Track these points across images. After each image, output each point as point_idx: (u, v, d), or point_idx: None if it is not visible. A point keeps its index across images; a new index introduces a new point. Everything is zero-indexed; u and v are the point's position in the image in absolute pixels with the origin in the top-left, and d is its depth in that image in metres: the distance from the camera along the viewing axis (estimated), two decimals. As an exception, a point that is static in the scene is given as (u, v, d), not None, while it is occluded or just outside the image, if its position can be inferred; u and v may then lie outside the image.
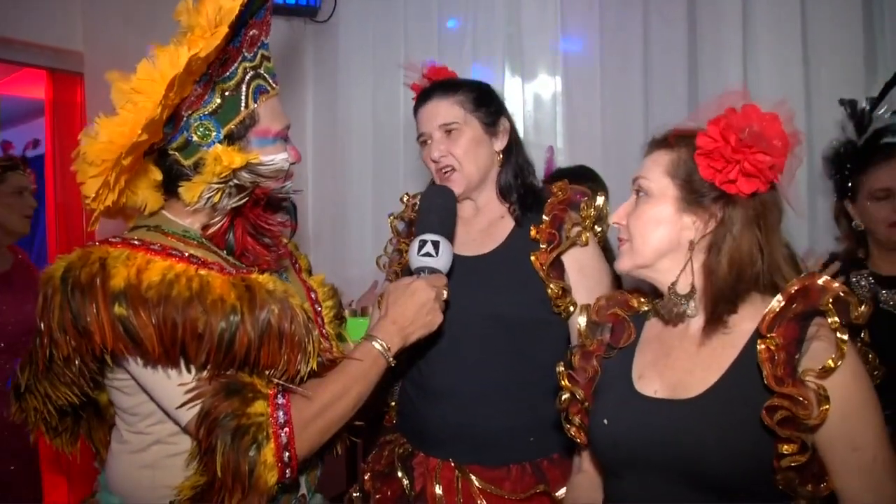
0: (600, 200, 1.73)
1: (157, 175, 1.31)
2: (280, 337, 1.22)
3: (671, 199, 1.27)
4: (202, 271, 1.21)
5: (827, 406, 1.09)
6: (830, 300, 1.14)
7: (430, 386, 1.75)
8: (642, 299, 1.44)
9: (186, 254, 1.25)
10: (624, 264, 1.34)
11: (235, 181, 1.30)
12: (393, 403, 1.92)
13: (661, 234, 1.28)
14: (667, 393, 1.29)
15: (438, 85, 1.82)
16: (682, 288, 1.28)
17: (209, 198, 1.29)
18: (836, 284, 1.16)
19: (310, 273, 1.68)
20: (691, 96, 3.31)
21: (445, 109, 1.75)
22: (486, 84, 1.85)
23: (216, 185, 1.28)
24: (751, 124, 1.15)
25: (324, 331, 1.51)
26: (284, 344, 1.22)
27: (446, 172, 1.75)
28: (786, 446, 1.10)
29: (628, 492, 1.34)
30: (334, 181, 3.85)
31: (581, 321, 1.47)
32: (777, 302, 1.17)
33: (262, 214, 1.37)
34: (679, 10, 3.32)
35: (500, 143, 1.79)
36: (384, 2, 3.78)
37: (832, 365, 1.11)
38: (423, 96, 1.81)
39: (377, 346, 1.37)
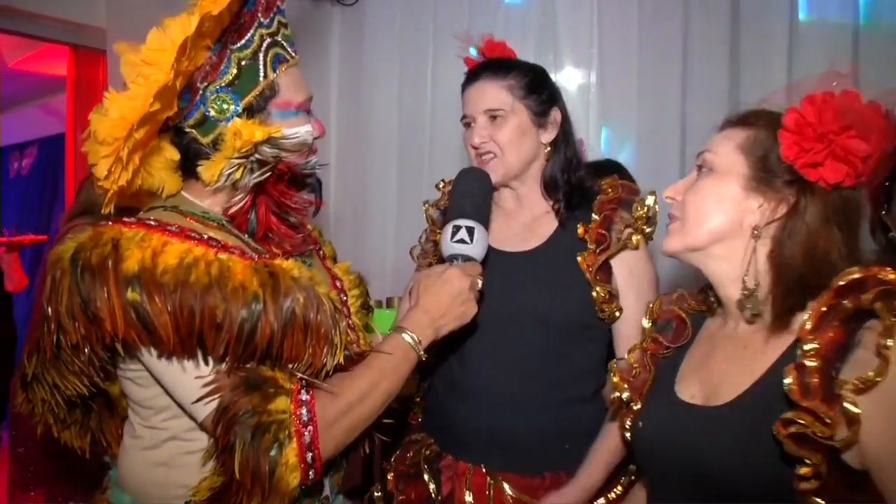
0: (650, 200, 1.61)
1: (174, 154, 1.23)
2: (305, 328, 1.13)
3: (739, 176, 1.15)
4: (222, 255, 1.13)
5: (857, 427, 0.93)
6: (878, 297, 0.98)
7: (461, 385, 1.66)
8: (699, 297, 1.33)
9: (206, 236, 1.16)
10: (673, 244, 1.22)
11: (257, 156, 1.22)
12: (417, 400, 1.84)
13: (721, 215, 1.16)
14: (701, 398, 1.19)
15: (489, 64, 1.71)
16: (752, 281, 1.15)
17: (230, 175, 1.21)
18: (894, 276, 0.99)
19: (334, 261, 1.59)
20: (732, 90, 3.17)
21: (493, 94, 1.64)
22: (540, 68, 1.73)
23: (237, 161, 1.20)
24: (851, 108, 1.03)
25: (350, 321, 1.43)
26: (310, 335, 1.13)
27: (485, 158, 1.65)
28: (802, 468, 0.96)
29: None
30: (357, 167, 3.77)
31: (645, 321, 1.38)
32: (821, 300, 1.03)
33: (286, 191, 1.28)
34: (721, -2, 3.19)
35: (549, 135, 1.68)
36: (413, -16, 3.68)
37: (872, 378, 0.93)
38: (473, 75, 1.70)
39: (407, 338, 1.28)
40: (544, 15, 3.50)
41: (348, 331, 1.28)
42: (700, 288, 1.37)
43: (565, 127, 1.70)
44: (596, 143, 3.39)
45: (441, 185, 1.89)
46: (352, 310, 1.47)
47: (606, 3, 3.38)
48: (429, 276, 1.37)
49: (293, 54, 1.28)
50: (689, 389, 1.22)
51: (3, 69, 4.45)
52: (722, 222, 1.16)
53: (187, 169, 1.25)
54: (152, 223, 1.15)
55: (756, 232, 1.13)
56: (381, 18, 3.73)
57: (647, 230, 1.63)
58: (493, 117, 1.63)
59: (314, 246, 1.53)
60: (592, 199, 1.65)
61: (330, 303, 1.17)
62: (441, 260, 1.48)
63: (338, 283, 1.49)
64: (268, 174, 1.24)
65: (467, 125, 1.69)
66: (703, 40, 3.23)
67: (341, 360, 1.18)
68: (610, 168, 2.44)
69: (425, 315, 1.31)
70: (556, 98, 1.70)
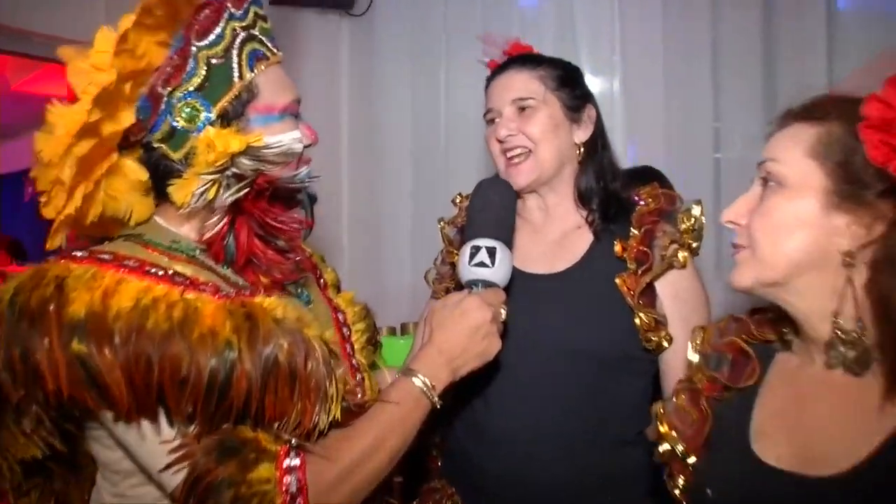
0: (697, 210, 1.41)
1: (140, 174, 1.06)
2: (291, 380, 0.94)
3: (817, 190, 0.93)
4: (190, 295, 0.94)
5: None
6: None
7: (486, 429, 1.46)
8: (764, 323, 1.10)
9: (171, 271, 0.98)
10: (743, 279, 1.00)
11: (234, 170, 1.04)
12: (437, 441, 1.63)
13: (801, 241, 0.94)
14: (796, 463, 0.96)
15: (518, 57, 1.56)
16: (849, 321, 0.93)
17: (203, 194, 1.03)
18: None
19: (338, 289, 1.40)
20: (767, 90, 2.96)
21: (522, 82, 1.48)
22: (574, 65, 1.58)
23: (210, 177, 1.02)
24: None
25: (353, 361, 1.25)
26: (297, 389, 0.94)
27: (514, 157, 1.47)
28: None
29: None
30: (371, 183, 3.60)
31: (692, 354, 1.16)
32: None
33: (269, 209, 1.09)
34: (752, -10, 2.99)
35: (583, 134, 1.50)
36: (426, -6, 3.54)
37: None
38: (498, 69, 1.55)
39: (418, 383, 1.10)
40: (561, 19, 3.32)
41: (348, 378, 1.08)
42: (754, 308, 1.15)
43: (600, 129, 1.53)
44: (622, 154, 3.19)
45: (458, 201, 1.71)
46: (356, 347, 1.29)
47: (628, 1, 3.19)
48: (444, 308, 1.18)
49: (274, 50, 1.10)
50: (775, 448, 0.99)
51: (8, 92, 4.37)
52: (802, 250, 0.94)
53: (160, 190, 1.07)
54: (105, 258, 0.96)
55: (848, 259, 0.91)
56: (391, 29, 3.57)
57: (694, 245, 1.43)
58: (523, 108, 1.47)
59: (313, 273, 1.34)
60: (631, 211, 1.46)
61: (323, 347, 0.99)
62: (459, 286, 1.29)
63: (340, 316, 1.31)
64: (246, 190, 1.05)
65: (491, 121, 1.52)
66: (734, 37, 3.03)
67: (338, 415, 0.99)
68: (648, 176, 2.20)
69: (440, 354, 1.13)
70: (590, 96, 1.54)
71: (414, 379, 1.09)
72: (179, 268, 1.00)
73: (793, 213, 0.94)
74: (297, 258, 1.16)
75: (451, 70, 3.43)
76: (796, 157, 0.95)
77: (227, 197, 1.04)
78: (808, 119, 0.97)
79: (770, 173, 0.98)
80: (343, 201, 3.59)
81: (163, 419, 0.93)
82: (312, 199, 1.19)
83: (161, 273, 0.97)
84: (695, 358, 1.17)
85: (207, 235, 1.06)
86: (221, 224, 1.05)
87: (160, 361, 0.88)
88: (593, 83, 3.22)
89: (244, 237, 1.07)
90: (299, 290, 1.25)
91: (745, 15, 3.01)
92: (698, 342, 1.19)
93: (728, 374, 1.11)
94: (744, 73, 3.01)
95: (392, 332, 2.73)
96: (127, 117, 0.99)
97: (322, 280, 1.37)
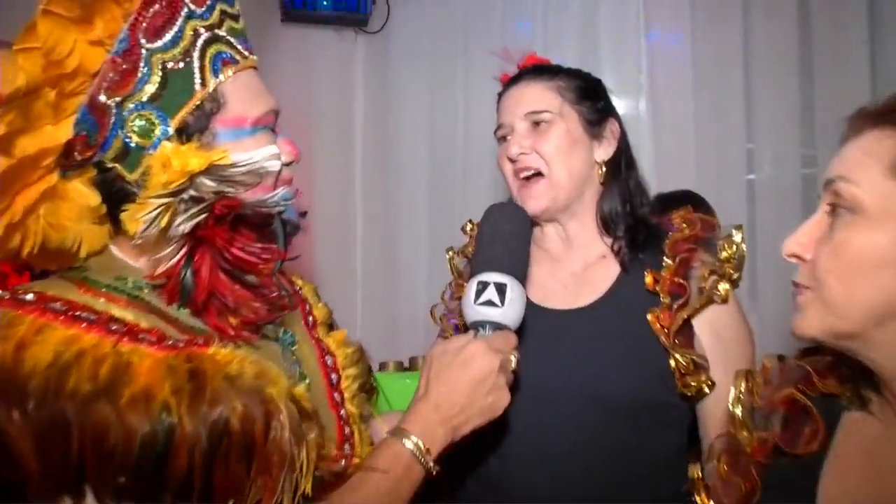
0: (738, 237, 1.27)
1: (91, 199, 0.92)
2: (247, 450, 0.78)
3: None
4: (124, 347, 0.79)
5: None
6: None
7: (499, 485, 1.30)
8: (831, 377, 0.91)
9: (106, 316, 0.83)
10: (808, 327, 0.82)
11: (192, 192, 0.88)
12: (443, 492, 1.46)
13: (882, 284, 0.76)
14: None
15: (532, 67, 1.42)
16: None
17: (155, 220, 0.87)
18: None
19: (330, 327, 1.24)
20: (805, 104, 2.79)
21: (537, 94, 1.35)
22: (595, 77, 1.45)
23: (162, 200, 0.87)
24: None
25: (342, 412, 1.10)
26: (255, 462, 0.78)
27: (527, 177, 1.33)
28: None
29: None
30: (386, 207, 3.49)
31: (734, 406, 0.98)
32: None
33: (234, 237, 0.92)
34: (788, -2, 2.85)
35: (605, 152, 1.37)
36: (442, 11, 3.44)
37: None
38: (511, 81, 1.42)
39: (410, 446, 0.95)
40: (584, 36, 3.20)
41: (328, 439, 0.92)
42: (806, 348, 0.96)
43: (625, 146, 1.39)
44: (650, 178, 3.02)
45: (468, 228, 1.57)
46: (346, 395, 1.13)
47: (654, 14, 3.06)
48: (443, 355, 1.03)
49: (245, 54, 0.95)
50: None
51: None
52: (884, 297, 0.77)
53: (116, 217, 0.93)
54: (28, 299, 0.81)
55: None
56: (407, 46, 3.49)
57: (735, 276, 1.27)
58: (537, 123, 1.34)
59: (301, 309, 1.19)
60: (663, 238, 1.31)
61: (291, 408, 0.83)
62: (466, 326, 1.13)
63: (328, 360, 1.15)
64: (203, 216, 0.90)
65: (502, 139, 1.39)
66: (768, 48, 2.88)
67: (308, 489, 0.83)
68: (690, 202, 2.01)
69: (436, 411, 0.98)
70: (613, 111, 1.40)
71: (405, 440, 0.94)
72: (118, 312, 0.84)
73: (871, 248, 0.76)
74: (273, 294, 1.00)
75: (468, 88, 3.34)
76: (874, 176, 0.77)
77: (181, 223, 0.88)
78: (887, 125, 0.79)
79: (841, 196, 0.79)
80: (357, 224, 3.50)
81: (89, 497, 0.77)
82: (289, 227, 1.02)
83: (93, 318, 0.81)
84: (738, 411, 0.99)
85: (160, 269, 0.90)
86: (178, 256, 0.90)
87: (80, 429, 0.73)
88: (618, 103, 3.07)
89: (205, 271, 0.90)
90: (281, 331, 1.09)
91: (779, 25, 2.88)
92: (742, 391, 1.00)
93: (781, 435, 0.93)
94: (779, 88, 2.88)
95: (400, 366, 2.57)
96: (56, 133, 0.85)
97: (311, 317, 1.21)
